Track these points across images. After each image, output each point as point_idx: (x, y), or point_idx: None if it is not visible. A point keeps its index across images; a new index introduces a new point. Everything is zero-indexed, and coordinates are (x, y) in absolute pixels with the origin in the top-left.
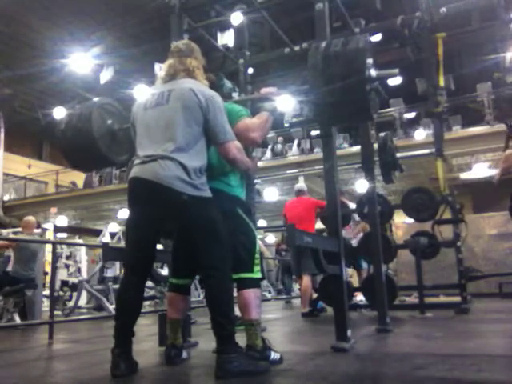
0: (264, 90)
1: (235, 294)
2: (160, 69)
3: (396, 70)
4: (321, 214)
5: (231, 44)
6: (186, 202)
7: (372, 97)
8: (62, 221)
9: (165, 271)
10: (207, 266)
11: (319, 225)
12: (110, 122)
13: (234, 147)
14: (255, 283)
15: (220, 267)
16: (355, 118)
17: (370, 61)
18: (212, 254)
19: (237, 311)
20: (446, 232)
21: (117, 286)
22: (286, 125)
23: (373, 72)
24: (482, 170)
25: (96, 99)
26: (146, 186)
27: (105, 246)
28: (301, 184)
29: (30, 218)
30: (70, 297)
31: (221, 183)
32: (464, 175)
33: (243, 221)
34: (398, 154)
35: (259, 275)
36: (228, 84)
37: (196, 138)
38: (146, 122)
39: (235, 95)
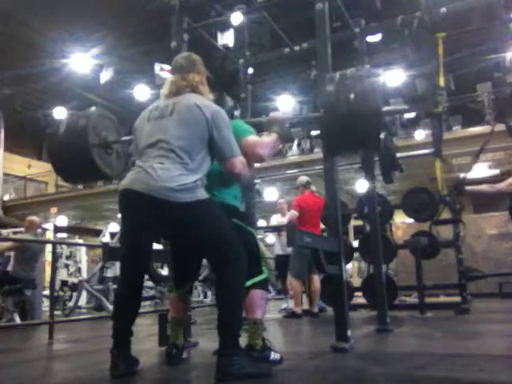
0: (272, 115)
1: None
2: (160, 69)
3: (405, 107)
4: None
5: (231, 44)
6: (182, 209)
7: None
8: (62, 221)
9: (165, 271)
10: (218, 266)
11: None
12: (104, 133)
13: (240, 163)
14: (261, 284)
15: (231, 265)
16: (363, 144)
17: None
18: (222, 254)
19: None
20: (446, 232)
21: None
22: (286, 125)
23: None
24: (482, 169)
25: (93, 109)
26: (137, 198)
27: (105, 246)
28: (305, 177)
29: (34, 218)
30: (70, 297)
31: (216, 195)
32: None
33: (241, 229)
34: (398, 154)
35: (266, 274)
36: (229, 103)
37: (196, 152)
38: (148, 134)
39: (237, 114)
